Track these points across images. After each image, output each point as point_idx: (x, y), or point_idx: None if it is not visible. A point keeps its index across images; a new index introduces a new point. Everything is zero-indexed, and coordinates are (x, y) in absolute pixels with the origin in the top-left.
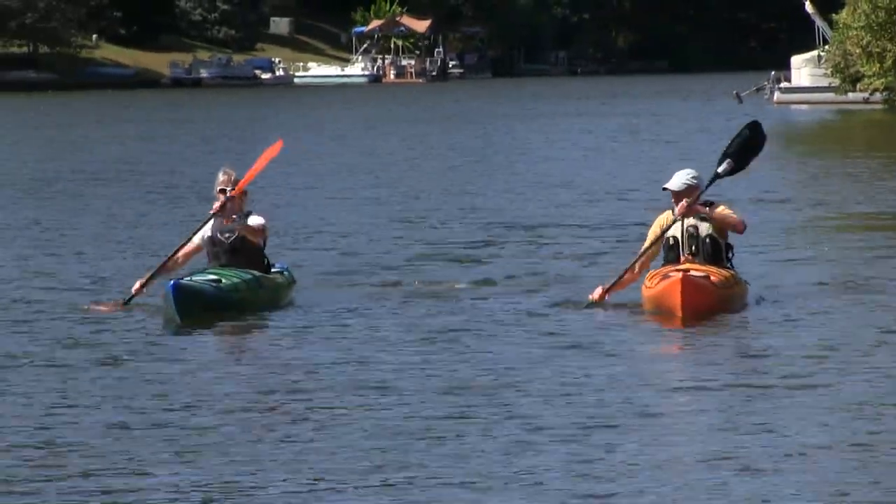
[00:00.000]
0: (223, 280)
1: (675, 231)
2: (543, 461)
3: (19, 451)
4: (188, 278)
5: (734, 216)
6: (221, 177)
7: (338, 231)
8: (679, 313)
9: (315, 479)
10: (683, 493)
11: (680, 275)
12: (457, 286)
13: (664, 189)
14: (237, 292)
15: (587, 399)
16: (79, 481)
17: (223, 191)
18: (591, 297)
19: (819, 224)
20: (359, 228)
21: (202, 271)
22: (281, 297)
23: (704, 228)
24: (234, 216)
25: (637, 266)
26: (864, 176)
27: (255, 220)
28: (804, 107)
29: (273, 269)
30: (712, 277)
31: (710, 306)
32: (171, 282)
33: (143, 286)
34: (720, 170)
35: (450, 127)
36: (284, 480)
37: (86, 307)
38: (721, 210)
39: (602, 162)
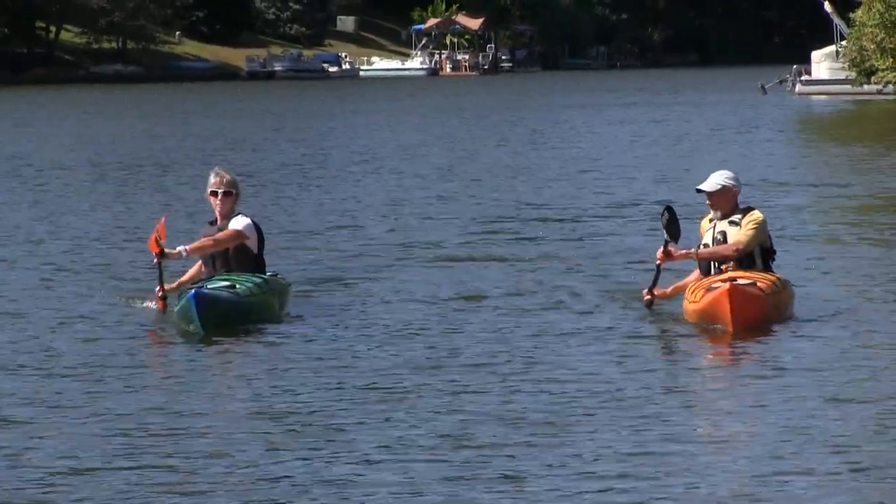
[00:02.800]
0: (237, 285)
1: (707, 239)
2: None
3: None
4: (205, 287)
5: (726, 249)
6: (213, 178)
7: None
8: (730, 326)
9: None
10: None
11: (727, 285)
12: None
13: (698, 190)
14: (253, 296)
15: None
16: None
17: (214, 192)
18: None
19: (840, 205)
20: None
21: (211, 278)
22: (285, 301)
23: (734, 234)
24: (225, 220)
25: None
26: (876, 159)
27: (233, 224)
28: (823, 97)
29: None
30: (759, 284)
31: (760, 315)
32: (192, 291)
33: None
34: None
35: (502, 113)
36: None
37: (124, 298)
38: (722, 246)
39: (646, 148)
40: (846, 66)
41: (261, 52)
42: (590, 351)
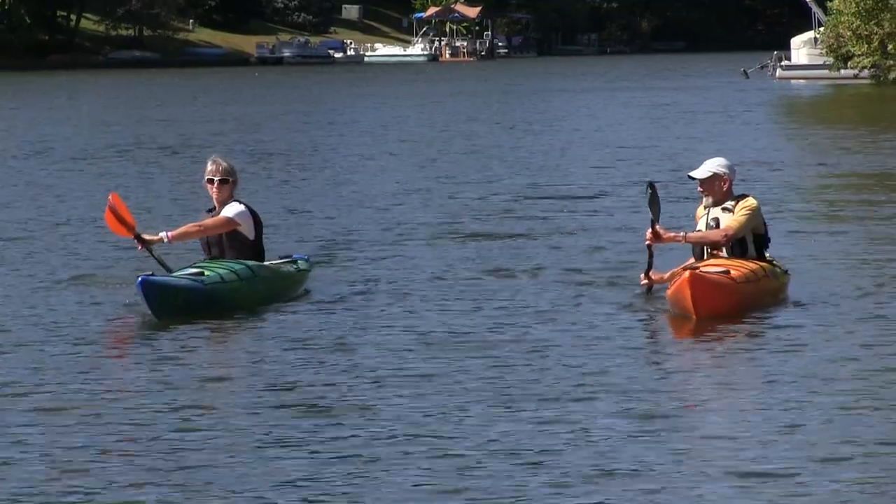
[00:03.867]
0: (206, 272)
1: (701, 226)
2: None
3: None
4: (167, 274)
5: (714, 234)
6: (210, 166)
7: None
8: (692, 313)
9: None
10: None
11: (688, 273)
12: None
13: (690, 177)
14: (224, 284)
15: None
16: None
17: (210, 180)
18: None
19: (819, 182)
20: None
21: (190, 265)
22: (286, 287)
23: (726, 221)
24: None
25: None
26: (854, 138)
27: (225, 211)
28: (802, 81)
29: (278, 259)
30: (732, 272)
31: (726, 304)
32: (139, 277)
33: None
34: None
35: (496, 96)
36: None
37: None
38: (711, 231)
39: (638, 127)
40: (824, 51)
41: (270, 39)
42: (578, 335)
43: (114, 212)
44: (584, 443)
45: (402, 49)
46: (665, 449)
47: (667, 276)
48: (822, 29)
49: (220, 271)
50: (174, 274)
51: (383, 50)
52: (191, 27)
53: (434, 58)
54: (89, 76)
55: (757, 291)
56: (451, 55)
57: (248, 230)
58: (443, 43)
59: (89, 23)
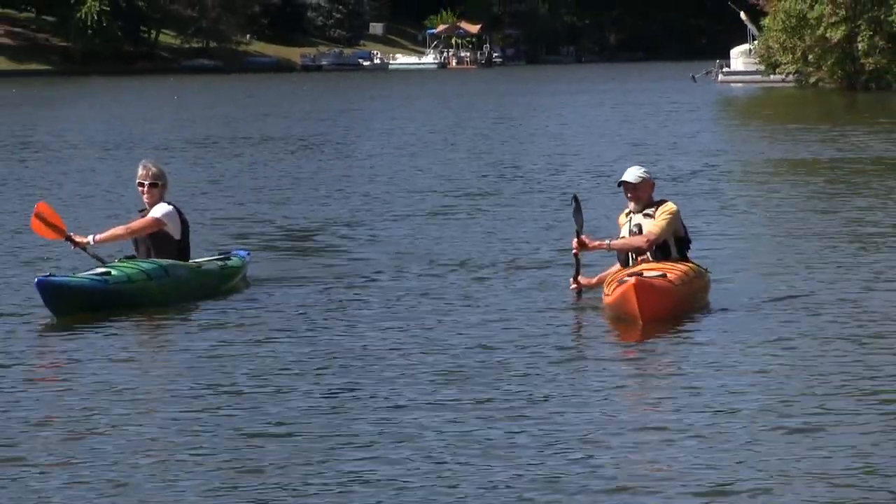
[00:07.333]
0: (113, 272)
1: (624, 232)
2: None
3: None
4: (69, 275)
5: (637, 240)
6: (140, 171)
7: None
8: (638, 319)
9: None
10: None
11: (633, 279)
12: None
13: (618, 184)
14: (130, 283)
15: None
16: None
17: (141, 184)
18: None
19: (749, 170)
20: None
21: (101, 265)
22: (206, 285)
23: (648, 226)
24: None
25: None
26: (779, 131)
27: (153, 212)
28: (740, 85)
29: (208, 258)
30: (669, 276)
31: (668, 307)
32: (36, 278)
33: (90, 243)
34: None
35: (495, 97)
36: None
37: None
38: (634, 237)
39: (607, 121)
40: (757, 60)
41: (311, 51)
42: (512, 340)
43: (40, 218)
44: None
45: (417, 58)
46: (614, 451)
47: (594, 280)
48: (755, 42)
49: (129, 271)
50: (78, 275)
51: (403, 59)
52: (247, 40)
53: (443, 65)
54: (168, 79)
55: (690, 292)
56: (457, 63)
57: (173, 230)
58: (450, 53)
59: (166, 37)
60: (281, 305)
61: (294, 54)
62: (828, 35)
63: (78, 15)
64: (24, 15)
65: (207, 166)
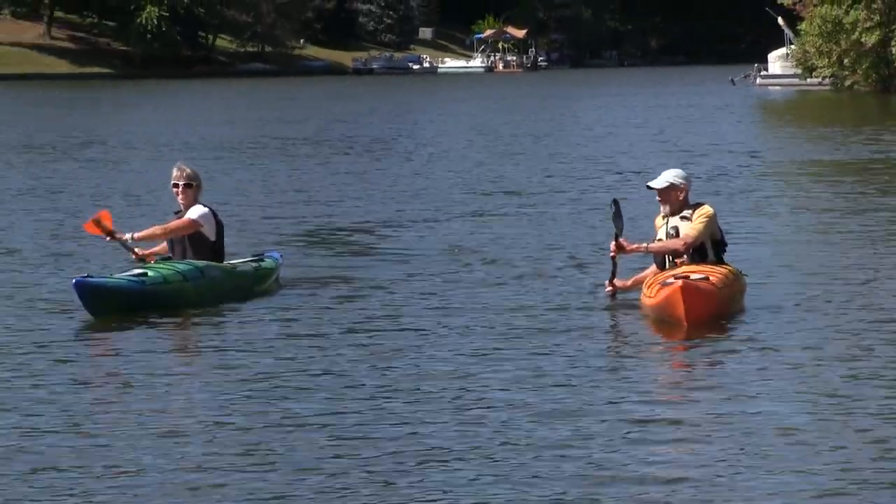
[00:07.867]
0: (149, 273)
1: (661, 234)
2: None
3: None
4: (107, 276)
5: (675, 243)
6: (175, 172)
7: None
8: (684, 321)
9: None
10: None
11: (680, 282)
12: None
13: (648, 187)
14: (167, 284)
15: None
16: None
17: (175, 185)
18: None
19: (785, 170)
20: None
21: (137, 266)
22: (241, 286)
23: (685, 229)
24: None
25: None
26: (815, 132)
27: (189, 213)
28: (777, 88)
29: (241, 259)
30: (711, 278)
31: (712, 310)
32: (74, 280)
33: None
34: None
35: (540, 100)
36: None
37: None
38: (671, 240)
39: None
40: (794, 64)
41: (363, 55)
42: (548, 341)
43: (98, 224)
44: (568, 445)
45: (465, 62)
46: (651, 452)
47: (630, 282)
48: (792, 46)
49: (165, 272)
50: (115, 276)
51: (451, 63)
52: (301, 45)
53: (490, 69)
54: (226, 82)
55: (731, 295)
56: (504, 67)
57: (209, 231)
58: (497, 57)
59: (223, 41)
60: (314, 307)
61: (346, 58)
62: (863, 40)
63: (138, 20)
64: (87, 20)
65: (261, 167)
